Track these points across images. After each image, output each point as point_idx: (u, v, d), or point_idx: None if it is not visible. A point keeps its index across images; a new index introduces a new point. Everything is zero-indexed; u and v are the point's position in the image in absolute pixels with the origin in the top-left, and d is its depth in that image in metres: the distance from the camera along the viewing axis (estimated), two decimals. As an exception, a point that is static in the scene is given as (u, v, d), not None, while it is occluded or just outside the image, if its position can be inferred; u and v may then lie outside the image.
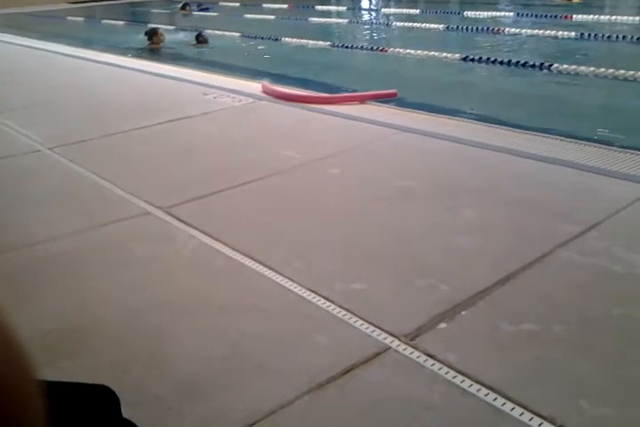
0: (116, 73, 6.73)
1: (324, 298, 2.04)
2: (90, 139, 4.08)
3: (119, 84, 6.16)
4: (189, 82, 5.83)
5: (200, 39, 9.48)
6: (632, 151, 3.34)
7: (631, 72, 5.78)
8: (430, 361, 1.70)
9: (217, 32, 10.43)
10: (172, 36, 10.18)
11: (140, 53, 8.73)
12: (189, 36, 9.98)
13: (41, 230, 2.72)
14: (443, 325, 1.87)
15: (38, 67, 7.62)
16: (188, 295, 2.13)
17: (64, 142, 4.00)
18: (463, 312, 1.93)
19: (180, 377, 1.71)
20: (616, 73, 5.89)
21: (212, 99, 5.07)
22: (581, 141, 3.55)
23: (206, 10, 15.30)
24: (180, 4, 15.49)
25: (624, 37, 7.99)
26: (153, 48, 9.32)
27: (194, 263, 2.38)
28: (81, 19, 15.51)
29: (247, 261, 2.32)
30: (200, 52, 9.26)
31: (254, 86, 5.43)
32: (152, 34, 9.42)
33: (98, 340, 1.90)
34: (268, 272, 2.23)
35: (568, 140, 3.58)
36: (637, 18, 9.96)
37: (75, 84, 6.19)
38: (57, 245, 2.58)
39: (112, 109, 4.92)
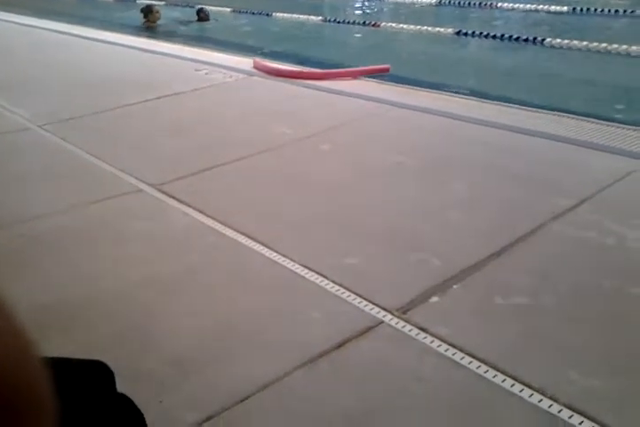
0: (106, 49, 6.62)
1: (317, 273, 2.04)
2: (80, 116, 4.03)
3: (109, 60, 6.07)
4: (180, 58, 5.75)
5: (201, 15, 9.16)
6: (623, 126, 3.34)
7: (624, 46, 5.75)
8: (422, 334, 1.71)
9: (209, 7, 10.26)
10: (167, 12, 9.96)
11: (136, 32, 8.44)
12: (185, 13, 9.77)
13: (33, 207, 2.70)
14: (435, 298, 1.88)
15: (27, 43, 7.49)
16: (181, 271, 2.13)
17: (54, 120, 3.96)
18: (455, 286, 1.94)
19: (173, 352, 1.72)
20: (609, 47, 5.86)
21: (204, 75, 5.01)
22: (573, 116, 3.54)
23: None
24: None
25: (616, 11, 7.93)
26: (149, 26, 9.04)
27: (186, 240, 2.37)
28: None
29: (240, 238, 2.32)
30: (202, 29, 8.98)
31: (246, 62, 5.36)
32: (147, 11, 9.12)
33: (90, 315, 1.91)
34: (260, 248, 2.23)
35: (560, 114, 3.57)
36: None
37: (64, 61, 6.09)
38: (48, 222, 2.56)
39: (102, 86, 4.85)
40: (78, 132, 3.74)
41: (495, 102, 3.93)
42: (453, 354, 1.63)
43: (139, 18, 9.23)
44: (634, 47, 5.69)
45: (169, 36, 8.10)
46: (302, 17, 8.96)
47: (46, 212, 2.65)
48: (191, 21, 9.26)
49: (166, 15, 9.49)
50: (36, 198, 2.81)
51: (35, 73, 5.56)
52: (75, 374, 0.95)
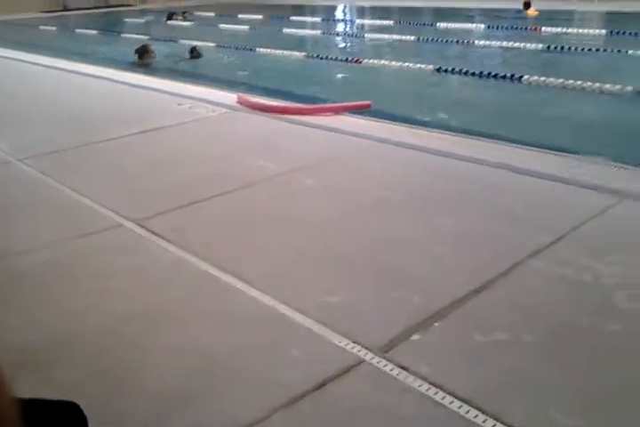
0: (89, 83, 6.68)
1: (299, 311, 2.04)
2: (62, 150, 4.03)
3: (92, 94, 6.11)
4: (164, 92, 5.81)
5: (194, 53, 9.13)
6: (599, 162, 3.42)
7: (597, 84, 5.92)
8: (404, 374, 1.71)
9: (195, 42, 10.40)
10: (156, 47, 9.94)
11: (129, 67, 8.21)
12: (176, 49, 9.70)
13: (13, 243, 2.68)
14: (416, 336, 1.88)
15: (7, 76, 7.53)
16: (162, 309, 2.12)
17: (35, 154, 3.96)
18: (436, 323, 1.95)
19: (154, 391, 1.70)
20: (583, 84, 6.03)
21: (187, 109, 5.06)
22: (552, 152, 3.62)
23: (190, 20, 15.23)
24: (167, 14, 15.26)
25: (589, 50, 8.18)
26: (142, 63, 8.80)
27: (167, 276, 2.36)
28: (53, 28, 15.38)
29: (221, 274, 2.32)
30: (194, 66, 8.79)
31: (230, 97, 5.43)
32: (143, 51, 8.91)
33: (73, 352, 1.88)
34: (242, 285, 2.23)
35: (539, 150, 3.65)
36: (603, 31, 10.22)
37: (47, 95, 6.13)
38: (29, 258, 2.54)
39: (85, 120, 4.88)
40: (59, 166, 3.74)
41: (475, 138, 4.02)
42: (435, 393, 1.63)
43: (130, 54, 9.01)
44: (607, 85, 5.86)
45: (161, 71, 7.98)
46: (286, 53, 9.12)
47: (28, 247, 2.63)
48: (184, 58, 9.11)
49: (159, 51, 9.39)
50: (18, 233, 2.79)
51: (16, 106, 5.58)
52: (46, 417, 0.94)
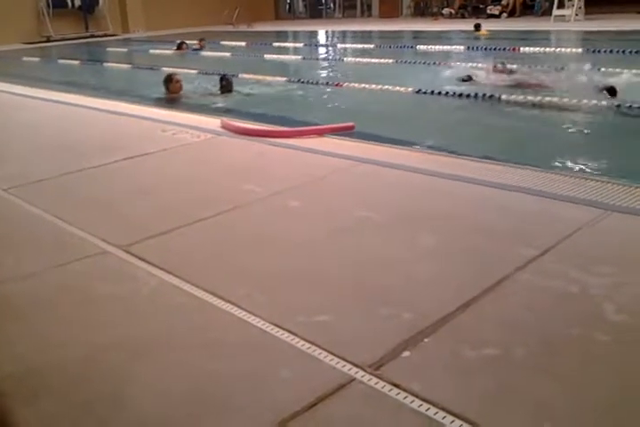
0: (70, 111, 6.69)
1: (287, 331, 2.02)
2: (46, 179, 4.01)
3: (74, 122, 6.11)
4: (147, 119, 5.83)
5: (224, 83, 8.10)
6: (581, 176, 3.46)
7: (574, 101, 6.04)
8: (395, 391, 1.69)
9: (175, 70, 10.46)
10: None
11: (160, 104, 7.41)
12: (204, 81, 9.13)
13: (-5, 273, 2.65)
14: (406, 353, 1.87)
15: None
16: (149, 334, 2.09)
17: (19, 183, 3.93)
18: (426, 339, 1.94)
19: (142, 417, 1.66)
20: (560, 102, 6.15)
21: (171, 135, 5.07)
22: (534, 168, 3.66)
23: (200, 50, 14.72)
24: (177, 44, 14.82)
25: (563, 68, 8.34)
26: (172, 97, 7.94)
27: (154, 301, 2.34)
28: (37, 59, 15.45)
29: (208, 297, 2.30)
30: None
31: (213, 122, 5.46)
32: (166, 81, 8.04)
33: (57, 382, 1.84)
34: (229, 307, 2.21)
35: (521, 167, 3.69)
36: (580, 49, 10.46)
37: (29, 124, 6.12)
38: (7, 287, 2.50)
39: (68, 149, 4.87)
40: (44, 195, 3.71)
41: (456, 156, 4.05)
42: (427, 409, 1.61)
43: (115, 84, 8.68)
44: (584, 101, 5.98)
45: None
46: (268, 78, 9.21)
47: (7, 277, 2.59)
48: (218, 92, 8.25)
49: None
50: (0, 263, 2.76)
51: None
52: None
